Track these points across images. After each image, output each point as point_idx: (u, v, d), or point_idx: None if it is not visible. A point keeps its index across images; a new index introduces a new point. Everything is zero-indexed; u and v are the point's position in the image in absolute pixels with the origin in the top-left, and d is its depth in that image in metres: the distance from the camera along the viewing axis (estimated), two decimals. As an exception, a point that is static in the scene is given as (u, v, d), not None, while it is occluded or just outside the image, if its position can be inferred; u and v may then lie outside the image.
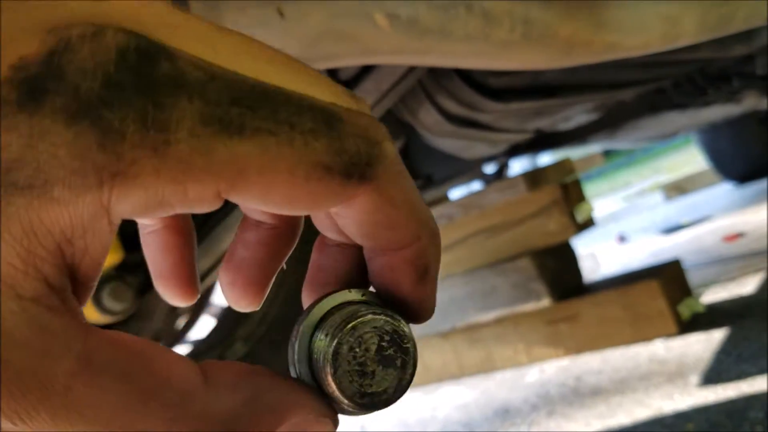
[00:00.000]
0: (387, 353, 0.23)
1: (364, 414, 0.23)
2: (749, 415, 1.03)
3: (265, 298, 0.29)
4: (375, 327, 0.22)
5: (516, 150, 1.77)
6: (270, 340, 1.15)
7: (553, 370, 1.60)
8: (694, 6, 0.78)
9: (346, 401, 0.22)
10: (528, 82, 1.21)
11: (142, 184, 0.18)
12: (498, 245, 1.68)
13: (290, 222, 0.28)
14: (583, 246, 3.21)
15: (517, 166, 3.24)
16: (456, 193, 1.93)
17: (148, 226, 0.30)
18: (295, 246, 0.29)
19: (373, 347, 0.22)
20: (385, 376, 0.22)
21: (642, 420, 1.16)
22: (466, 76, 1.16)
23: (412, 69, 1.02)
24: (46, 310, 0.18)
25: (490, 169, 1.95)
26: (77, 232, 0.18)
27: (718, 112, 1.85)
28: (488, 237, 1.69)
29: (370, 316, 0.22)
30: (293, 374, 0.23)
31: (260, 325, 1.14)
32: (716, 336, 1.39)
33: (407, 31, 0.61)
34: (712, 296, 1.70)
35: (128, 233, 0.91)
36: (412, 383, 0.23)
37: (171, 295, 0.31)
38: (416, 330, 1.85)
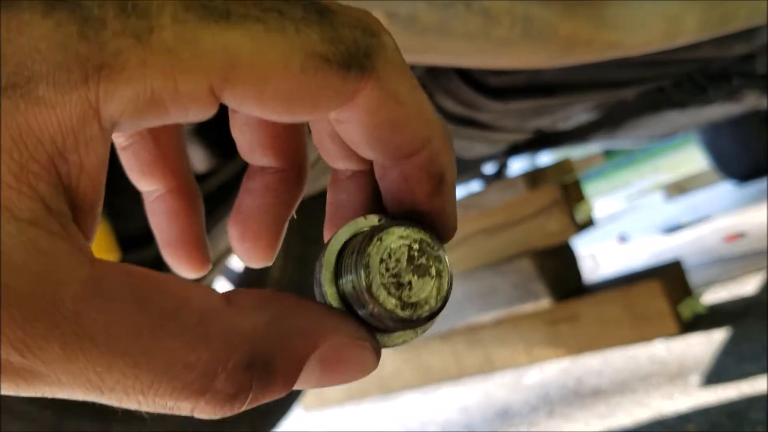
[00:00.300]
0: (419, 263, 0.21)
1: (407, 331, 0.22)
2: (750, 416, 1.03)
3: (278, 251, 0.27)
4: (401, 237, 0.21)
5: (515, 150, 1.76)
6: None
7: (553, 370, 1.59)
8: (695, 5, 0.78)
9: (387, 315, 0.21)
10: (527, 81, 1.20)
11: (130, 76, 0.17)
12: (497, 245, 1.68)
13: (295, 163, 0.27)
14: (583, 246, 3.21)
15: (517, 166, 3.24)
16: (455, 192, 1.93)
17: (152, 193, 0.29)
18: (303, 193, 0.27)
19: (404, 258, 0.21)
20: (423, 286, 0.21)
21: (642, 421, 1.15)
22: (465, 75, 1.16)
23: (410, 68, 1.02)
24: (46, 233, 0.17)
25: (489, 169, 1.95)
26: (69, 142, 0.18)
27: (718, 111, 1.85)
28: (488, 237, 1.69)
29: (393, 228, 0.21)
30: None
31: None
32: (717, 336, 1.39)
33: (406, 29, 0.60)
34: (712, 296, 1.70)
35: (126, 233, 0.90)
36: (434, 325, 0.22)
37: (180, 264, 0.29)
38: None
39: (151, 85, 0.18)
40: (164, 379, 0.18)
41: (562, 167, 1.67)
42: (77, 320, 0.17)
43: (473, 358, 1.78)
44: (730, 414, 1.06)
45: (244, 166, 0.26)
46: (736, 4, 0.81)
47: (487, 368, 1.76)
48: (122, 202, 0.89)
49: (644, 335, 1.51)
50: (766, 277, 1.68)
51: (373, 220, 0.23)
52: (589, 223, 1.64)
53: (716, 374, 1.22)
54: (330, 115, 0.21)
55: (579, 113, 1.53)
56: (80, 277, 0.17)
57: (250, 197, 0.27)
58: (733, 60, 1.50)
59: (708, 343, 1.37)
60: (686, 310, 1.52)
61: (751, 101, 1.76)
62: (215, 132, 0.99)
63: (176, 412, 0.19)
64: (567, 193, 1.60)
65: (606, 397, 1.31)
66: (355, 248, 0.21)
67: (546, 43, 0.69)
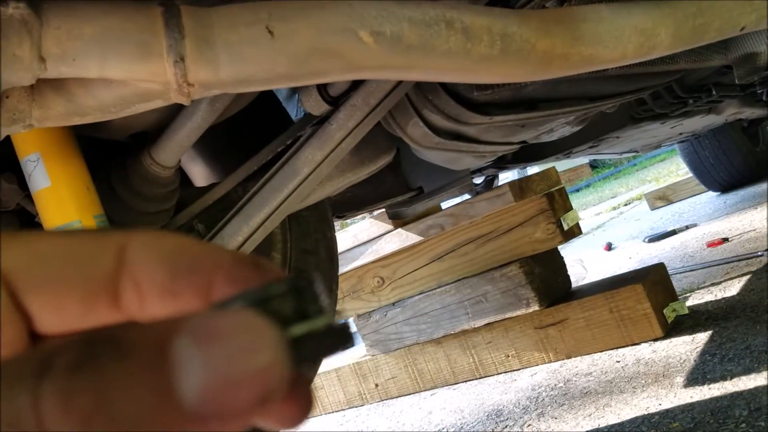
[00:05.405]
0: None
1: None
2: (733, 413, 1.05)
3: None
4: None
5: (503, 162, 1.79)
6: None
7: (543, 373, 1.62)
8: (668, 18, 0.81)
9: None
10: (511, 96, 1.24)
11: None
12: (487, 253, 1.71)
13: None
14: (571, 255, 3.23)
15: (506, 177, 3.26)
16: (446, 203, 1.96)
17: None
18: None
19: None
20: None
21: (629, 420, 1.17)
22: (451, 90, 1.19)
23: (399, 84, 1.05)
24: None
25: (479, 180, 1.98)
26: None
27: (698, 122, 1.88)
28: (477, 246, 1.72)
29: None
30: None
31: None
32: (701, 338, 1.41)
33: (391, 48, 0.64)
34: (696, 300, 1.73)
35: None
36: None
37: None
38: (412, 338, 1.86)
39: None
40: None
41: (549, 177, 1.71)
42: None
43: (466, 363, 1.80)
44: (713, 412, 1.08)
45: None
46: (709, 17, 0.84)
47: (479, 372, 1.78)
48: (120, 216, 0.92)
49: (630, 338, 1.54)
50: (747, 281, 1.71)
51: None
52: (575, 231, 1.67)
53: (700, 374, 1.24)
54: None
55: (562, 126, 1.56)
56: None
57: None
58: (711, 72, 1.54)
59: (692, 344, 1.40)
60: (671, 313, 1.55)
61: (731, 112, 1.80)
62: (216, 147, 1.02)
63: None
64: (553, 203, 1.64)
65: (594, 398, 1.33)
66: None
67: (524, 58, 0.73)
